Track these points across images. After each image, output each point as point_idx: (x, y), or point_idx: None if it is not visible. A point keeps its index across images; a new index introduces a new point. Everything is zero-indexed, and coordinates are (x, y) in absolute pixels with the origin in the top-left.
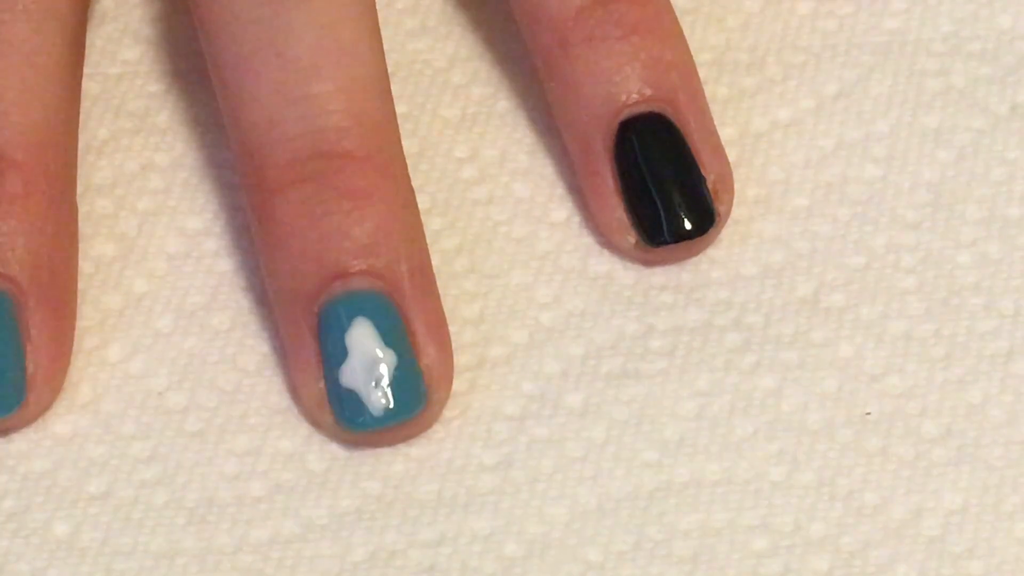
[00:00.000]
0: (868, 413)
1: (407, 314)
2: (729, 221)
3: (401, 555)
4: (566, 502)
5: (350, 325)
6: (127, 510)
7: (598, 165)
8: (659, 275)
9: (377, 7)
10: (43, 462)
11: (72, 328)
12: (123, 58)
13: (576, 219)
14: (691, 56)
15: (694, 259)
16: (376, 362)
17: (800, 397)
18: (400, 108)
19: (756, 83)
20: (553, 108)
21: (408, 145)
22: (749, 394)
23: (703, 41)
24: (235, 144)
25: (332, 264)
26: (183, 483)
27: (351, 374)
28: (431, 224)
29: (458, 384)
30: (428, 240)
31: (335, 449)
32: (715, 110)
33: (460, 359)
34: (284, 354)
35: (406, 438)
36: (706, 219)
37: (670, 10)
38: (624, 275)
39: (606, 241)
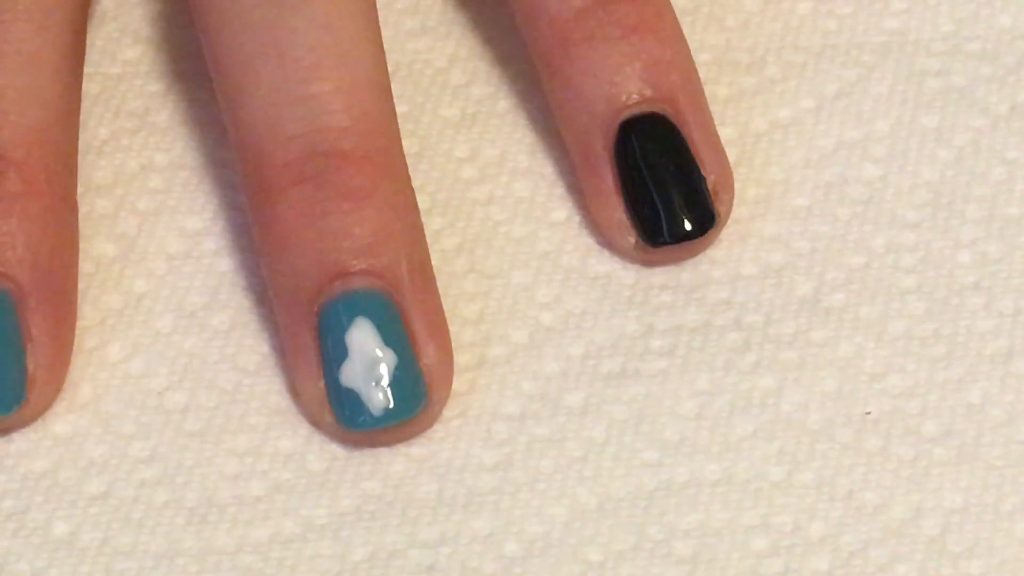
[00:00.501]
0: (868, 413)
1: (407, 314)
2: (729, 221)
3: (401, 555)
4: (566, 502)
5: (350, 325)
6: (127, 510)
7: (598, 165)
8: (659, 275)
9: (377, 7)
10: (43, 462)
11: (73, 328)
12: (123, 58)
13: (576, 219)
14: (691, 57)
15: (694, 259)
16: (376, 362)
17: (800, 397)
18: (400, 108)
19: (756, 83)
20: (553, 108)
21: (408, 145)
22: (749, 394)
23: (703, 41)
24: (235, 144)
25: (332, 264)
26: (183, 483)
27: (351, 374)
28: (431, 224)
29: (458, 384)
30: (428, 240)
31: (335, 449)
32: (715, 110)
33: (460, 359)
34: (284, 354)
35: (406, 438)
36: (706, 219)
37: (671, 10)
38: (624, 275)
39: (606, 241)
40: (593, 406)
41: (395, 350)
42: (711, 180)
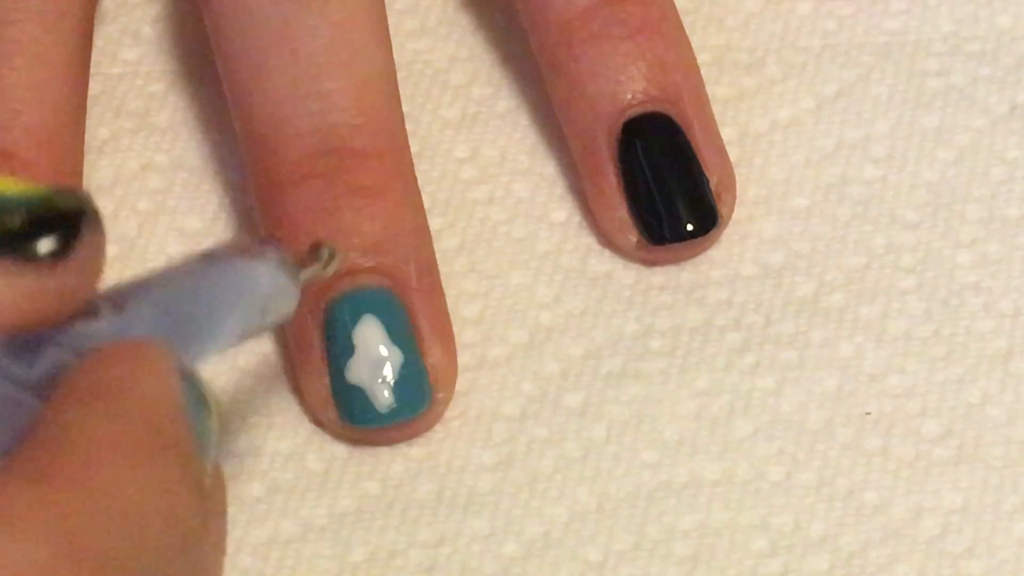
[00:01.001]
0: (868, 413)
1: (414, 313)
2: (729, 221)
3: (401, 555)
4: (566, 502)
5: (357, 322)
6: None
7: (601, 164)
8: (659, 275)
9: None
10: None
11: None
12: (123, 58)
13: (576, 219)
14: (695, 57)
15: (694, 259)
16: (382, 360)
17: (800, 397)
18: (402, 107)
19: (756, 83)
20: (556, 107)
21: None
22: (749, 394)
23: (703, 41)
24: (244, 140)
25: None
26: None
27: (357, 371)
28: (431, 224)
29: (458, 384)
30: None
31: (335, 449)
32: (715, 110)
33: (460, 359)
34: (290, 349)
35: (409, 437)
36: (708, 220)
37: (674, 11)
38: (624, 275)
39: (607, 241)
40: (593, 406)
41: (401, 348)
42: (714, 181)
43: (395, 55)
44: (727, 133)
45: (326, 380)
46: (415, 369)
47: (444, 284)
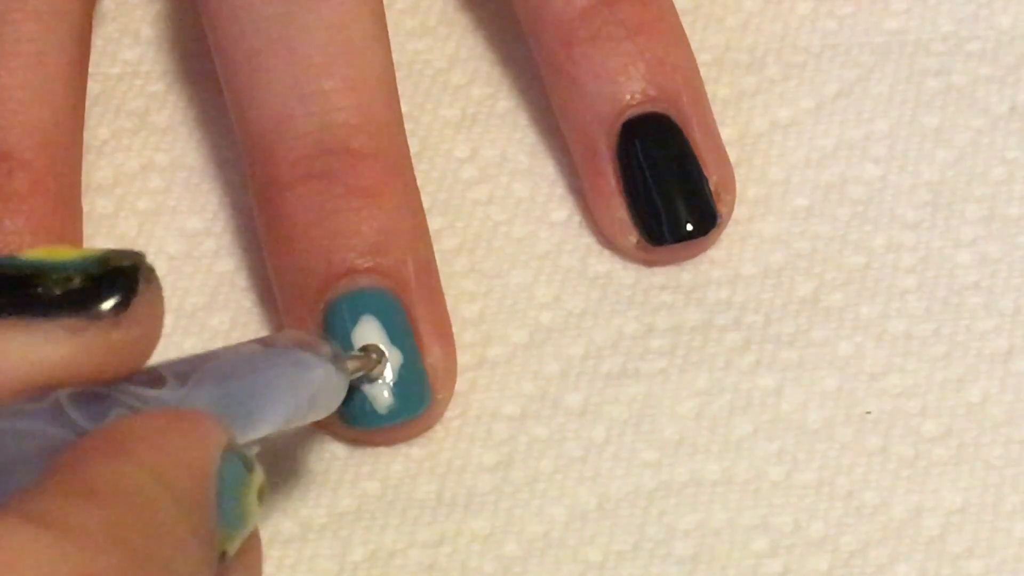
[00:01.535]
0: (868, 412)
1: (413, 313)
2: (729, 221)
3: (401, 555)
4: (566, 502)
5: (356, 323)
6: None
7: (601, 165)
8: (659, 275)
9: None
10: None
11: None
12: (123, 58)
13: (576, 219)
14: (694, 57)
15: (694, 259)
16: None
17: (800, 397)
18: (401, 108)
19: (756, 83)
20: (556, 107)
21: (408, 145)
22: (749, 394)
23: (703, 41)
24: (243, 140)
25: (339, 261)
26: None
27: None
28: (431, 224)
29: (458, 384)
30: None
31: (335, 449)
32: (715, 110)
33: (460, 359)
34: None
35: (408, 437)
36: (707, 220)
37: (673, 11)
38: (624, 275)
39: (607, 241)
40: (593, 406)
41: (400, 349)
42: (713, 181)
43: (395, 55)
44: (727, 133)
45: None
46: (414, 369)
47: (444, 284)
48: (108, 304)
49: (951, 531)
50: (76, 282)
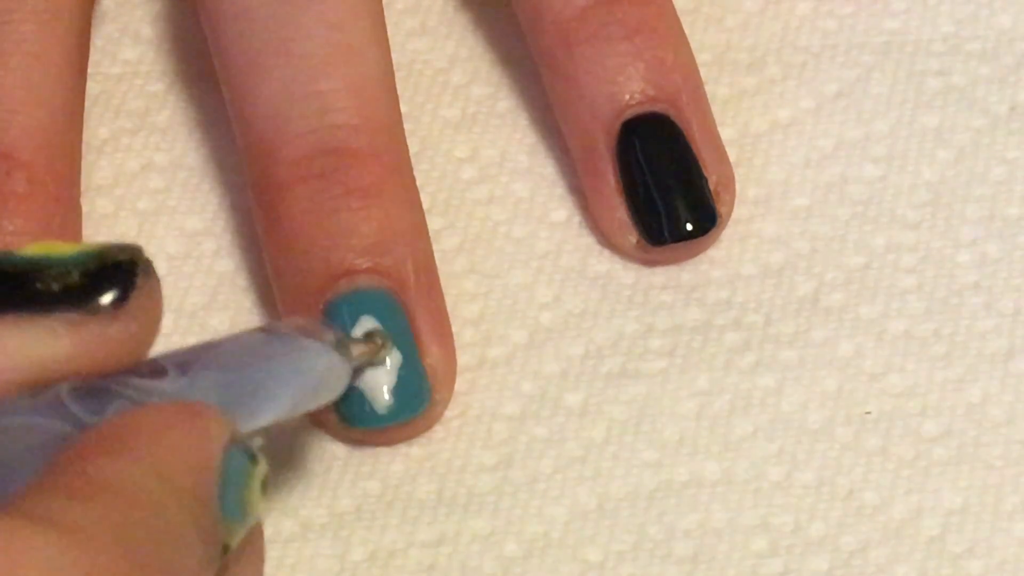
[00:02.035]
0: (868, 412)
1: (412, 313)
2: (729, 221)
3: (401, 555)
4: (566, 502)
5: (356, 323)
6: None
7: (600, 165)
8: (659, 275)
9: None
10: None
11: None
12: (123, 58)
13: (576, 219)
14: (693, 57)
15: (694, 259)
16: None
17: (800, 397)
18: (400, 108)
19: (756, 83)
20: (555, 108)
21: (408, 145)
22: (749, 394)
23: (703, 41)
24: (242, 141)
25: (339, 262)
26: None
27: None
28: (431, 224)
29: (458, 384)
30: None
31: (335, 449)
32: (715, 110)
33: (460, 359)
34: None
35: (408, 437)
36: (707, 220)
37: (672, 11)
38: (624, 275)
39: (606, 241)
40: (593, 406)
41: (400, 349)
42: (713, 180)
43: (395, 55)
44: (727, 133)
45: None
46: (414, 370)
47: (444, 284)
48: (106, 298)
49: (951, 531)
50: (74, 277)
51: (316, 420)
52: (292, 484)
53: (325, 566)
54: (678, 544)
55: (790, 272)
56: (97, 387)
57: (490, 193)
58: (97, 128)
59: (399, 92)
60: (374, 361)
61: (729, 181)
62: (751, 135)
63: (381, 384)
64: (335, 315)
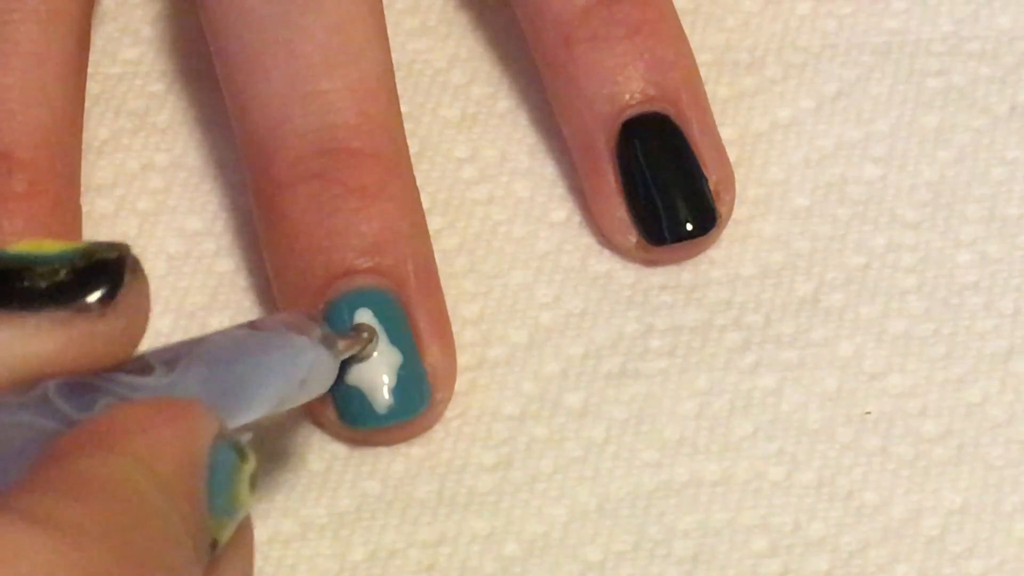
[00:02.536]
0: (868, 413)
1: (412, 313)
2: (729, 221)
3: (401, 555)
4: (566, 502)
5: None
6: None
7: (600, 164)
8: (659, 275)
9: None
10: None
11: None
12: (123, 58)
13: (576, 219)
14: (694, 57)
15: (694, 259)
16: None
17: (800, 397)
18: (400, 108)
19: (756, 83)
20: (555, 107)
21: (408, 145)
22: (749, 394)
23: (703, 41)
24: (243, 141)
25: (339, 261)
26: None
27: (355, 372)
28: (431, 224)
29: (458, 384)
30: None
31: (335, 449)
32: (715, 110)
33: (460, 359)
34: None
35: (408, 437)
36: (707, 220)
37: (673, 11)
38: (624, 275)
39: (606, 241)
40: (593, 406)
41: (400, 349)
42: (713, 180)
43: (395, 55)
44: (727, 133)
45: None
46: (414, 370)
47: (444, 284)
48: (94, 296)
49: (951, 531)
50: (62, 275)
51: (316, 420)
52: (292, 484)
53: (325, 566)
54: (678, 544)
55: (790, 272)
56: (84, 384)
57: (490, 193)
58: (97, 128)
59: (399, 92)
60: (362, 355)
61: (729, 181)
62: (751, 135)
63: (381, 384)
64: (335, 315)
